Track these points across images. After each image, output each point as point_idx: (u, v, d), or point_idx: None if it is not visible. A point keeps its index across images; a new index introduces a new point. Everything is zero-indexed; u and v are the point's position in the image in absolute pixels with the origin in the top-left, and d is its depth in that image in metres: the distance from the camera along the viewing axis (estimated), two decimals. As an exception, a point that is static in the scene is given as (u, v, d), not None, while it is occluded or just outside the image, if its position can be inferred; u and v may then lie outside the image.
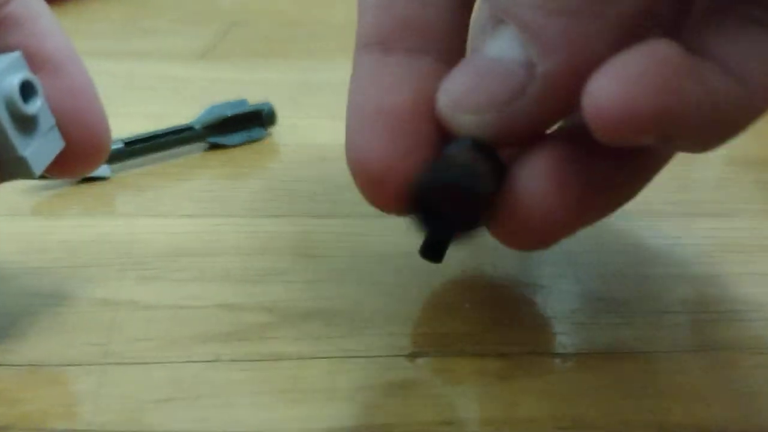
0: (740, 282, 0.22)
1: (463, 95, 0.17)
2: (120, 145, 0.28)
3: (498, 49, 0.16)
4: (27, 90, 0.18)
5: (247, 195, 0.27)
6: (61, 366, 0.19)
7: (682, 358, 0.19)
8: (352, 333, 0.20)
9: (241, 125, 0.31)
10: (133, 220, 0.26)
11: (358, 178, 0.18)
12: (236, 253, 0.24)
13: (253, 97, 0.32)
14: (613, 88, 0.14)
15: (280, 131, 0.32)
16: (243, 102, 0.32)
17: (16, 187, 0.26)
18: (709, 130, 0.16)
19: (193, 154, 0.30)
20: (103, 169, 0.28)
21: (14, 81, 0.17)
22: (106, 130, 0.20)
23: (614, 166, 0.18)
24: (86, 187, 0.27)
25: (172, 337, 0.20)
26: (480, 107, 0.17)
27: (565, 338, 0.20)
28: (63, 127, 0.19)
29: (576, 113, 0.17)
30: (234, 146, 0.31)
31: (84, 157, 0.20)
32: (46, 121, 0.18)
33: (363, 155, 0.17)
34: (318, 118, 0.33)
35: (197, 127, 0.30)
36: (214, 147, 0.31)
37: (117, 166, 0.29)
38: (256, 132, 0.31)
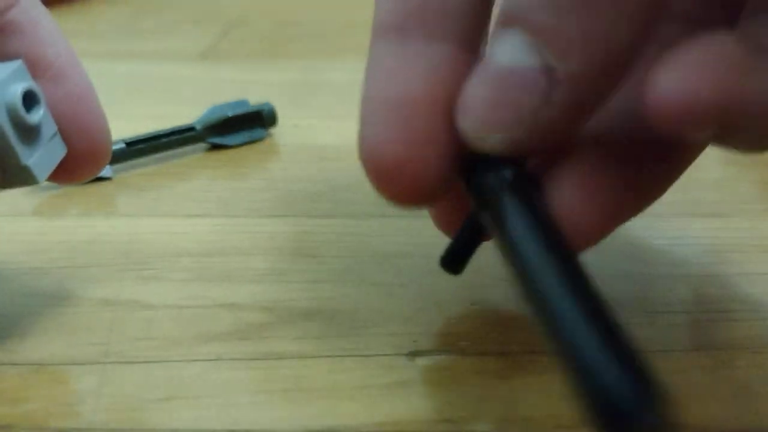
0: (740, 282, 0.22)
1: (487, 113, 0.16)
2: (121, 146, 0.29)
3: (510, 57, 0.15)
4: (29, 99, 0.18)
5: (247, 195, 0.27)
6: (63, 365, 0.19)
7: (680, 357, 0.19)
8: (353, 332, 0.20)
9: (242, 126, 0.31)
10: (134, 220, 0.26)
11: (371, 170, 0.17)
12: (237, 253, 0.24)
13: (254, 97, 0.32)
14: (675, 79, 0.14)
15: (280, 132, 0.32)
16: (244, 102, 0.32)
17: (17, 187, 0.27)
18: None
19: (194, 154, 0.30)
20: (104, 170, 0.28)
21: (17, 91, 0.17)
22: (107, 136, 0.20)
23: (642, 170, 0.18)
24: (87, 188, 0.27)
25: (173, 337, 0.20)
26: (506, 124, 0.16)
27: (564, 338, 0.20)
28: (64, 133, 0.19)
29: (601, 119, 0.17)
30: (235, 147, 0.31)
31: (85, 163, 0.20)
32: (49, 129, 0.18)
33: (376, 147, 0.16)
34: (319, 118, 0.33)
35: (198, 127, 0.30)
36: (215, 147, 0.31)
37: (118, 166, 0.29)
38: (256, 132, 0.31)
